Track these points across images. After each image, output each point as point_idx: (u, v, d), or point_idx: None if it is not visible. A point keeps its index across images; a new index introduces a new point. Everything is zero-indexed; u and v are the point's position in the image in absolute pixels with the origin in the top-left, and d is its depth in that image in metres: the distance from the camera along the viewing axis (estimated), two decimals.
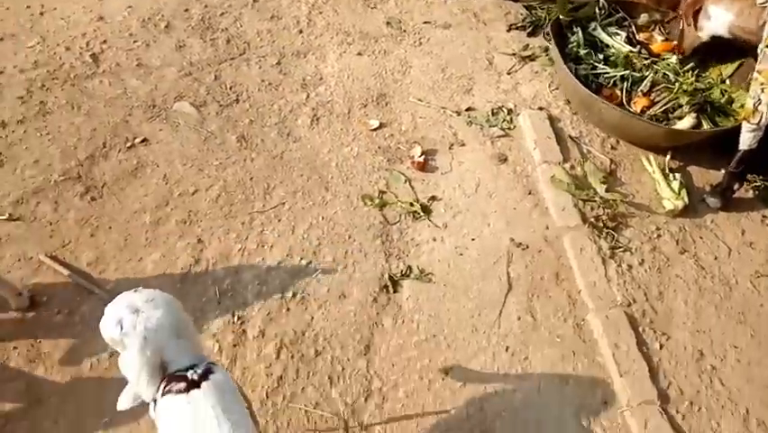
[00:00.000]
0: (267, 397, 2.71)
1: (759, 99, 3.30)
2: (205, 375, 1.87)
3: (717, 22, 3.73)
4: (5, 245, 3.13)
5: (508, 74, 4.49)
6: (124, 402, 1.97)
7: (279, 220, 3.42)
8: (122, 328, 1.84)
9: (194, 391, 1.83)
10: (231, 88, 4.14)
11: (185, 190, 3.51)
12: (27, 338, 2.82)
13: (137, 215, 3.36)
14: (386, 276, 3.19)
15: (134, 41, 4.38)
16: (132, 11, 4.61)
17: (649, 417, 2.68)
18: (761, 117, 3.33)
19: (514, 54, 4.63)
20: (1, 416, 2.58)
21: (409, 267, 3.24)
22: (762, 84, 3.29)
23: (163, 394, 1.85)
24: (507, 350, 2.94)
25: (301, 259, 3.24)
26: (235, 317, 2.96)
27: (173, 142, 3.76)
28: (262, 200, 3.51)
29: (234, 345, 2.86)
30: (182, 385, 1.84)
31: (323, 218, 3.45)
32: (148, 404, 1.96)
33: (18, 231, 3.20)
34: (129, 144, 3.70)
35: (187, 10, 4.70)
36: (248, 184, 3.59)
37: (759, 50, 3.35)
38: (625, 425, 2.73)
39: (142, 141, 3.74)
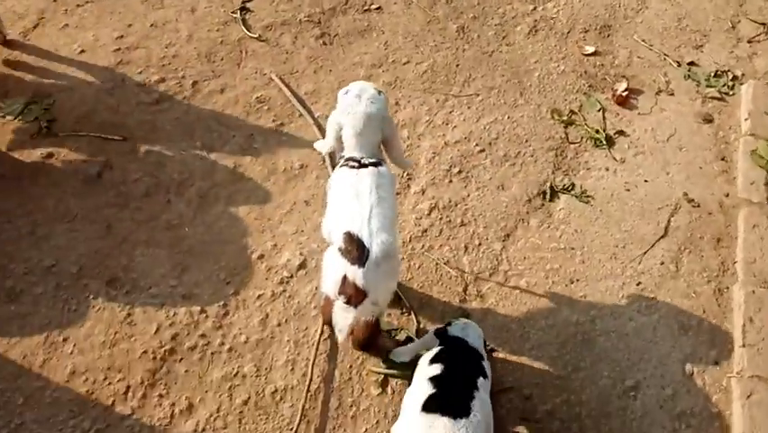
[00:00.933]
0: (409, 241, 3.01)
1: None
2: (373, 165, 2.21)
3: None
4: (250, 58, 3.68)
5: (749, 42, 4.07)
6: (318, 146, 2.56)
7: (469, 108, 3.59)
8: (344, 94, 2.34)
9: (362, 170, 2.19)
10: None
11: (398, 59, 3.80)
12: (245, 133, 3.36)
13: (354, 67, 3.72)
14: (548, 184, 3.26)
15: None
16: None
17: (755, 390, 2.56)
18: None
19: (764, 24, 4.16)
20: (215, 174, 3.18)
21: (573, 184, 3.27)
22: None
23: (340, 167, 2.27)
24: (638, 285, 2.92)
25: (476, 145, 3.41)
26: (405, 174, 3.25)
27: (402, 16, 4.02)
28: (460, 87, 3.69)
29: (396, 194, 3.17)
30: (355, 163, 2.24)
31: (508, 117, 3.55)
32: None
33: (262, 50, 3.73)
34: (366, 8, 4.05)
35: None
36: (453, 69, 3.78)
37: None
38: (727, 389, 2.63)
39: (377, 8, 4.06)
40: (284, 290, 2.84)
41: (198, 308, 2.76)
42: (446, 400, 2.01)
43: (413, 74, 3.73)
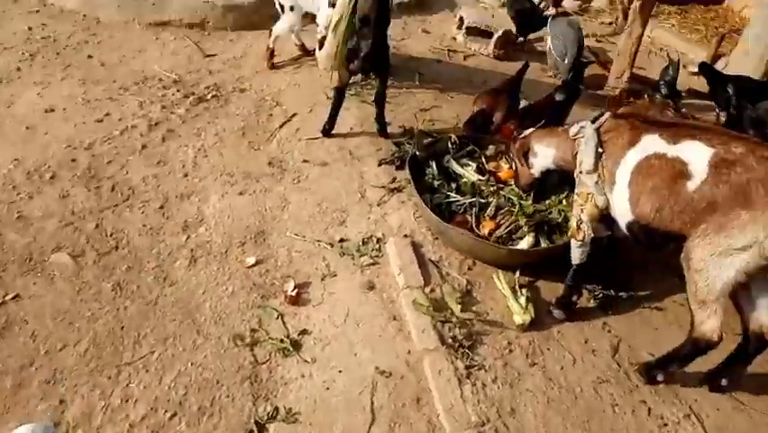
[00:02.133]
0: None
1: (580, 219, 3.49)
2: None
3: (543, 157, 3.94)
4: None
5: (378, 205, 4.51)
6: None
7: (147, 371, 3.19)
8: None
9: None
10: (111, 235, 4.00)
11: (52, 347, 3.26)
12: None
13: None
14: (252, 421, 2.98)
15: (17, 194, 4.22)
16: (19, 163, 4.48)
17: None
18: (584, 235, 3.49)
19: (383, 187, 4.65)
20: None
21: (276, 408, 3.05)
22: (581, 205, 3.48)
23: None
24: None
25: (166, 411, 3.00)
26: None
27: (46, 295, 3.53)
28: (131, 350, 3.29)
29: None
30: None
31: (192, 364, 3.25)
32: None
33: None
34: (0, 302, 3.45)
35: (74, 160, 4.61)
36: (118, 334, 3.37)
37: (575, 176, 3.57)
38: None
39: (14, 297, 3.50)
40: None
41: None
42: None
43: (73, 358, 3.21)
